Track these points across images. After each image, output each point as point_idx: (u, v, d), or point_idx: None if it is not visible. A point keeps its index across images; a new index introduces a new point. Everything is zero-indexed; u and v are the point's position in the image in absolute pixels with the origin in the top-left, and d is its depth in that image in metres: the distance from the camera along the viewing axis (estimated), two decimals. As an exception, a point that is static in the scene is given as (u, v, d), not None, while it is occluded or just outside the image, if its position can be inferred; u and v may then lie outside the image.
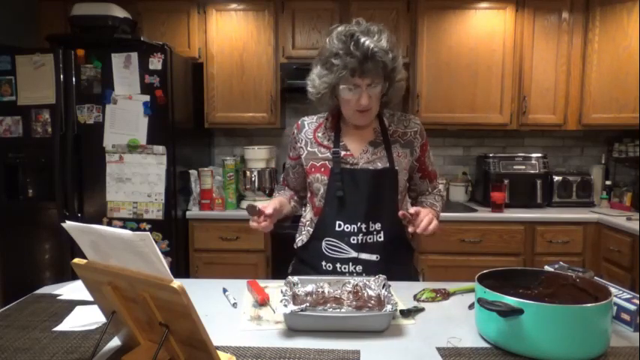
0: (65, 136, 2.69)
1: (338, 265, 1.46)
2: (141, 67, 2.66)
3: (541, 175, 3.11)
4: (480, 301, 1.02)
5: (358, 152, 1.48)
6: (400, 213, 1.39)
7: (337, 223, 1.44)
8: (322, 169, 1.48)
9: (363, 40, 1.33)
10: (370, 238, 1.45)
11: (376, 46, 1.33)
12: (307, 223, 1.56)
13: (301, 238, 1.57)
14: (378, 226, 1.45)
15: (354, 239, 1.44)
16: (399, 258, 1.51)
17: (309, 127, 1.55)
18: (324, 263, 1.47)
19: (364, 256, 1.44)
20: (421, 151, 1.55)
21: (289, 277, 1.30)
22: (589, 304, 0.96)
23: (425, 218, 1.36)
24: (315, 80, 1.46)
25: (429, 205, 1.58)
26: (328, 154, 1.48)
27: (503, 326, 0.99)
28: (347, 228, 1.44)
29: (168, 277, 0.82)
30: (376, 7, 3.10)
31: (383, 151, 1.48)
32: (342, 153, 1.46)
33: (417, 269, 1.67)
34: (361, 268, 1.45)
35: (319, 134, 1.52)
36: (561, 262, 1.52)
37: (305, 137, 1.54)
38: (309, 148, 1.52)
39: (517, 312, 0.95)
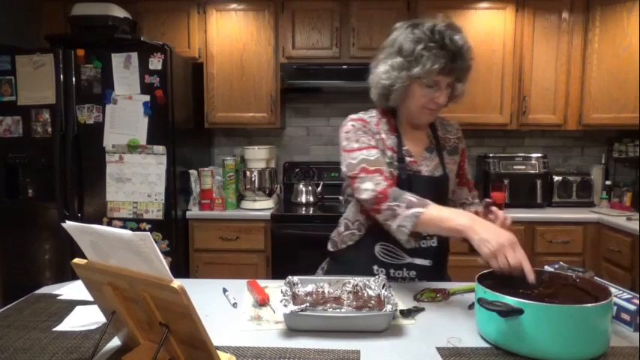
0: (65, 136, 2.69)
1: (392, 271, 1.42)
2: (141, 67, 2.66)
3: (541, 175, 3.11)
4: (480, 301, 1.02)
5: (419, 159, 1.43)
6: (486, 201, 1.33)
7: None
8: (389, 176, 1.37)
9: (457, 37, 1.29)
10: (424, 243, 1.42)
11: (465, 44, 1.29)
12: (353, 224, 1.46)
13: (344, 240, 1.47)
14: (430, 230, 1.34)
15: (411, 242, 1.33)
16: (446, 262, 1.51)
17: (372, 124, 1.40)
18: (375, 267, 1.43)
19: (418, 261, 1.42)
20: (461, 156, 1.53)
21: (289, 277, 1.30)
22: (589, 305, 0.96)
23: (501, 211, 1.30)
24: (391, 72, 1.33)
25: None
26: (394, 159, 1.38)
27: (503, 326, 0.99)
28: None
29: (168, 277, 0.82)
30: (376, 7, 3.10)
31: (437, 158, 1.45)
32: (407, 159, 1.39)
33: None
34: (415, 273, 1.43)
35: (383, 135, 1.40)
36: (561, 262, 1.52)
37: (375, 134, 1.39)
38: (381, 147, 1.38)
39: (517, 312, 0.95)
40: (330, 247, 1.56)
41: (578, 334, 0.95)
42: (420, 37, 1.30)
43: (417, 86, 1.32)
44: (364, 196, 1.29)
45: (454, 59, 1.28)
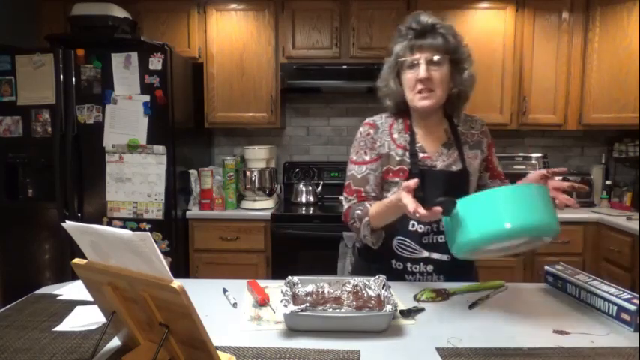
0: (65, 136, 2.69)
1: (409, 265, 1.45)
2: (141, 67, 2.66)
3: (541, 175, 3.10)
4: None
5: (435, 154, 1.45)
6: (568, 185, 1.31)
7: (411, 222, 1.41)
8: (400, 174, 1.43)
9: (423, 16, 1.38)
10: (441, 238, 1.42)
11: (436, 22, 1.36)
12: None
13: (370, 237, 1.44)
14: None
15: (425, 239, 1.42)
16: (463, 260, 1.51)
17: (383, 127, 1.47)
18: (394, 261, 1.46)
19: (436, 255, 1.44)
20: (488, 151, 1.57)
21: (289, 277, 1.30)
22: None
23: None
24: (383, 72, 1.46)
25: None
26: (405, 156, 1.43)
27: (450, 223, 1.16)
28: (420, 228, 1.43)
29: (168, 277, 0.82)
30: (376, 7, 3.10)
31: (455, 153, 1.46)
32: (420, 155, 1.43)
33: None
34: (432, 267, 1.45)
35: (395, 135, 1.46)
36: (561, 262, 1.52)
37: (383, 137, 1.46)
38: (388, 150, 1.45)
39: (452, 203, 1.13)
40: (357, 244, 1.58)
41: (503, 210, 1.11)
42: (397, 33, 1.42)
43: (404, 73, 1.40)
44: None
45: (422, 35, 1.36)
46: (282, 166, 3.47)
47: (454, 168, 1.45)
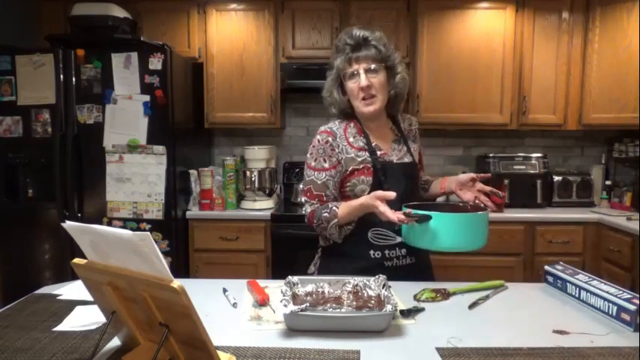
0: (65, 136, 2.69)
1: (386, 252, 1.54)
2: (141, 67, 2.66)
3: (541, 175, 3.11)
4: (405, 214, 1.34)
5: (389, 150, 1.60)
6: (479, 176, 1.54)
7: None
8: (365, 171, 1.54)
9: (355, 31, 1.53)
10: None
11: (368, 34, 1.52)
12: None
13: (337, 235, 1.55)
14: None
15: (397, 226, 1.50)
16: None
17: (339, 132, 1.59)
18: (372, 252, 1.54)
19: None
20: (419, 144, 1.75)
21: (289, 277, 1.30)
22: (468, 213, 1.41)
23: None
24: (326, 84, 1.61)
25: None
26: (366, 156, 1.55)
27: (418, 230, 1.36)
28: None
29: (168, 277, 0.82)
30: (376, 7, 3.09)
31: (404, 147, 1.63)
32: (378, 152, 1.57)
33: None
34: (404, 251, 1.55)
35: (351, 139, 1.58)
36: (561, 262, 1.52)
37: (341, 143, 1.57)
38: (346, 155, 1.56)
39: (427, 218, 1.32)
40: (322, 243, 1.68)
41: (463, 232, 1.35)
42: (335, 48, 1.59)
43: (347, 83, 1.55)
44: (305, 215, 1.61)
45: (357, 48, 1.52)
46: (282, 166, 3.47)
47: (406, 160, 1.61)
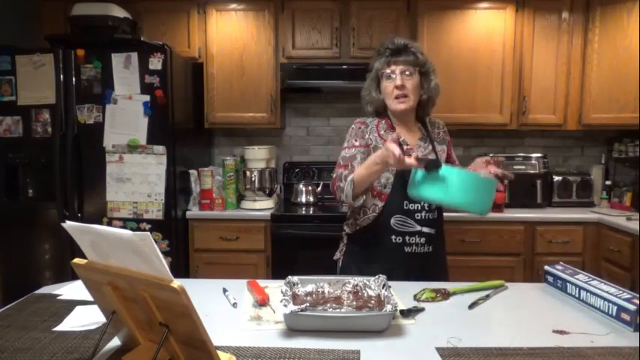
0: (65, 136, 2.69)
1: (407, 238, 1.65)
2: (141, 67, 2.65)
3: (541, 175, 3.11)
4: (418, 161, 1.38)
5: (415, 146, 1.73)
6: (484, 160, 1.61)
7: (404, 202, 1.65)
8: None
9: (397, 39, 1.71)
10: (430, 215, 1.69)
11: (408, 42, 1.70)
12: (369, 208, 1.69)
13: (363, 220, 1.70)
14: (433, 205, 1.69)
15: (417, 215, 1.66)
16: (444, 233, 1.82)
17: (371, 124, 1.75)
18: (393, 237, 1.66)
19: (426, 229, 1.67)
20: (448, 146, 1.85)
21: (289, 277, 1.30)
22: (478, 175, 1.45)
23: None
24: (365, 84, 1.77)
25: None
26: None
27: (427, 180, 1.39)
28: (412, 207, 1.66)
29: (168, 277, 0.82)
30: (376, 8, 3.09)
31: (430, 146, 1.75)
32: (405, 147, 1.68)
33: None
34: (424, 239, 1.67)
35: (382, 132, 1.73)
36: (561, 262, 1.52)
37: (372, 133, 1.73)
38: (375, 143, 1.70)
39: (436, 164, 1.37)
40: (348, 230, 1.80)
41: (470, 190, 1.37)
42: (376, 52, 1.75)
43: (383, 83, 1.71)
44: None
45: (396, 53, 1.68)
46: (282, 166, 3.47)
47: (429, 157, 1.70)
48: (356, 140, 1.72)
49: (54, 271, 2.77)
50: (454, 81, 3.11)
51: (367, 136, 1.72)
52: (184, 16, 3.14)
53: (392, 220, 1.66)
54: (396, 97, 1.67)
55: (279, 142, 3.55)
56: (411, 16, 3.10)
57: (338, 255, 1.83)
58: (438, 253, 1.75)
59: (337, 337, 1.09)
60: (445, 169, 1.37)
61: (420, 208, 1.67)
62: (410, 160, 1.37)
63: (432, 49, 3.10)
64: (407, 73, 1.66)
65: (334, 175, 1.70)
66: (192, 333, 0.85)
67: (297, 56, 3.13)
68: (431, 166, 1.36)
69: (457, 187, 1.36)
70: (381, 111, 1.76)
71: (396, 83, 1.66)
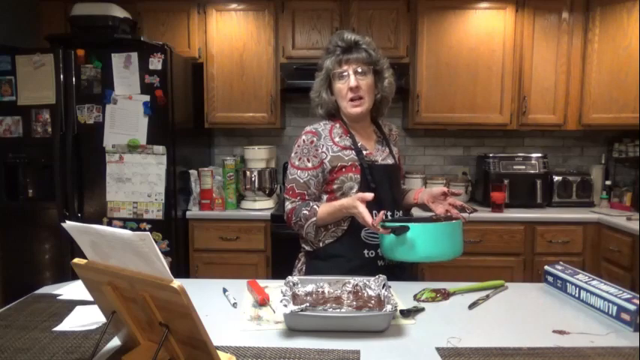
0: (65, 136, 2.69)
1: (379, 251, 1.52)
2: (141, 67, 2.65)
3: (541, 175, 3.11)
4: (383, 227, 1.36)
5: (374, 151, 1.63)
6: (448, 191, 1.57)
7: (373, 212, 1.46)
8: (353, 169, 1.56)
9: (347, 34, 1.57)
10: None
11: (359, 38, 1.57)
12: (334, 224, 1.57)
13: (329, 235, 1.57)
14: (400, 213, 1.62)
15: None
16: None
17: (324, 132, 1.60)
18: (366, 252, 1.55)
19: None
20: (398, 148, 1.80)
21: (289, 277, 1.30)
22: (442, 223, 1.44)
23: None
24: (315, 85, 1.64)
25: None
26: (352, 155, 1.57)
27: (395, 241, 1.37)
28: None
29: (168, 277, 0.82)
30: (376, 7, 3.09)
31: (387, 149, 1.67)
32: (364, 152, 1.59)
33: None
34: None
35: (336, 139, 1.60)
36: (561, 262, 1.52)
37: (325, 143, 1.59)
38: (332, 153, 1.57)
39: (405, 229, 1.34)
40: (308, 248, 1.64)
41: (438, 241, 1.39)
42: (325, 50, 1.62)
43: (335, 84, 1.58)
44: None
45: (348, 51, 1.55)
46: (282, 166, 3.47)
47: (389, 161, 1.65)
48: (308, 160, 1.56)
49: (54, 271, 2.77)
50: (454, 81, 3.11)
51: (320, 150, 1.56)
52: (184, 16, 3.14)
53: (362, 234, 1.54)
54: (351, 100, 1.55)
55: (279, 142, 3.55)
56: (411, 16, 3.10)
57: (296, 273, 1.65)
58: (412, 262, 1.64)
59: (337, 337, 1.09)
60: (413, 230, 1.34)
61: (388, 216, 1.56)
62: (380, 230, 1.34)
63: (432, 49, 3.10)
64: (360, 71, 1.53)
65: (288, 205, 1.58)
66: (192, 333, 0.85)
67: (297, 56, 3.13)
68: (400, 231, 1.34)
69: (429, 242, 1.36)
70: (334, 113, 1.64)
71: (350, 84, 1.53)
